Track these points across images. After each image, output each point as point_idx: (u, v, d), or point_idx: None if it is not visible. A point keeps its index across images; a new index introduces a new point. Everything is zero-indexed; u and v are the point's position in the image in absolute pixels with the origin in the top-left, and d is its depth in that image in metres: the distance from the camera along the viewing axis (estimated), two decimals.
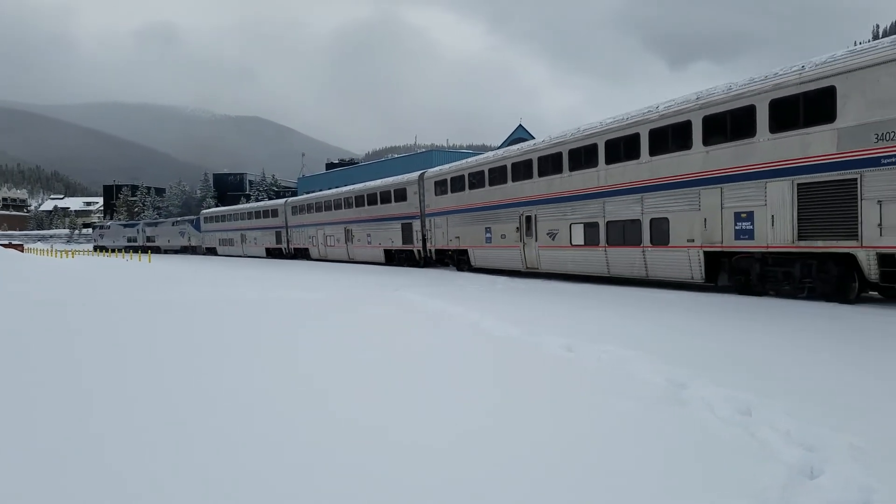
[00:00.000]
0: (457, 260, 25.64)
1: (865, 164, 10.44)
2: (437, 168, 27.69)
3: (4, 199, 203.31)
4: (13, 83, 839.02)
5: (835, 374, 5.95)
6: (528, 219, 20.23)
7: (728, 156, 12.90)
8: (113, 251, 63.18)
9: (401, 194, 29.80)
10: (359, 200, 34.09)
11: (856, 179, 10.60)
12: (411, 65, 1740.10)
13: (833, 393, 5.23)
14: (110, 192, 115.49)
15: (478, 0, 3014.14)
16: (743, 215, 12.69)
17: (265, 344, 7.97)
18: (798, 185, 11.54)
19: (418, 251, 28.73)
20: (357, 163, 78.41)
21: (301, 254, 42.21)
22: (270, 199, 69.12)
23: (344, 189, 37.33)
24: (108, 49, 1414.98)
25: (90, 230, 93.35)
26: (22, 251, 36.87)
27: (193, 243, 59.03)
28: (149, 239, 65.34)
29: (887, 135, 10.13)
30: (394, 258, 31.06)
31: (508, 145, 25.06)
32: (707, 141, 13.43)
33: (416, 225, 28.59)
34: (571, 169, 18.00)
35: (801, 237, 11.59)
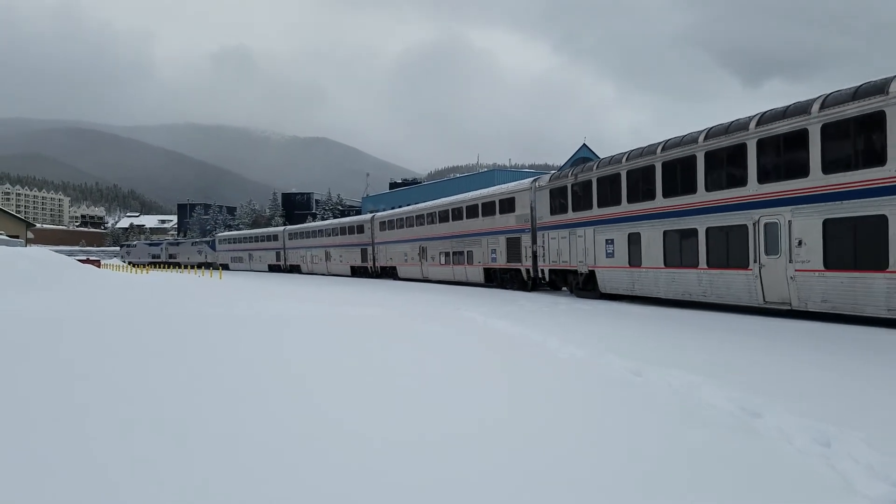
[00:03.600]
0: (391, 273, 40.16)
1: (522, 231, 25.00)
2: (381, 213, 42.49)
3: (83, 217, 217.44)
4: (94, 106, 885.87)
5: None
6: (423, 248, 34.81)
7: (488, 223, 27.51)
8: (142, 266, 77.39)
9: (360, 228, 44.50)
10: (334, 231, 48.82)
11: (520, 237, 25.15)
12: (476, 85, 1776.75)
13: None
14: (184, 211, 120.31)
15: (543, 21, 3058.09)
16: (493, 250, 27.25)
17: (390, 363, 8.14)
18: (506, 238, 26.10)
19: (370, 267, 43.28)
20: (419, 182, 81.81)
21: (294, 269, 56.73)
22: (336, 217, 76.25)
23: (324, 222, 52.27)
24: (186, 72, 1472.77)
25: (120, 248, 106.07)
26: (99, 266, 41.33)
27: (209, 260, 73.54)
28: (171, 256, 79.87)
29: (526, 220, 24.69)
30: (356, 272, 45.61)
31: (572, 165, 28.12)
32: (483, 214, 28.05)
33: (370, 250, 43.19)
34: (441, 221, 32.65)
35: (508, 261, 26.13)
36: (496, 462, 4.21)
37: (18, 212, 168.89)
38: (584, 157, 45.64)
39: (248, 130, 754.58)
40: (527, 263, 24.86)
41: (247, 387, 6.36)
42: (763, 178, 13.40)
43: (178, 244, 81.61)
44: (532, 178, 24.95)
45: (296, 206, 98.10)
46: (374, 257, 42.71)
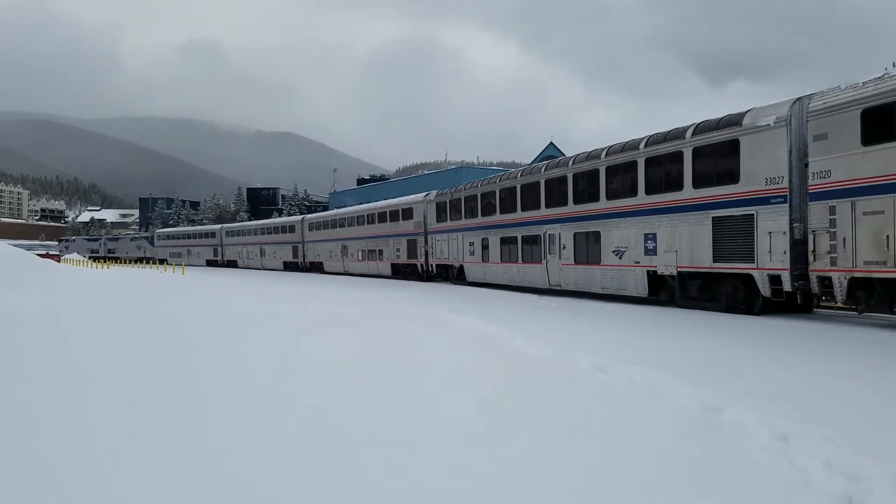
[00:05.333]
0: (318, 268, 46.12)
1: (418, 235, 31.65)
2: (310, 215, 48.38)
3: (43, 211, 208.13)
4: (55, 98, 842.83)
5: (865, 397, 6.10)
6: (345, 247, 41.00)
7: (394, 227, 34.05)
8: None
9: (292, 228, 50.16)
10: (269, 230, 54.19)
11: (417, 239, 31.80)
12: (447, 83, 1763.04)
13: (874, 419, 5.27)
14: (146, 205, 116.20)
15: (515, 20, 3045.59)
16: (398, 249, 33.81)
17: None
18: (407, 239, 32.71)
19: (301, 262, 49.04)
20: (387, 178, 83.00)
21: (231, 263, 61.51)
22: (302, 213, 76.23)
23: (260, 222, 57.59)
24: (153, 65, 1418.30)
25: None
26: (59, 261, 40.26)
27: (148, 255, 76.77)
28: (110, 251, 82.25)
29: (420, 226, 31.34)
30: (287, 266, 51.23)
31: (541, 161, 29.49)
32: (391, 220, 34.54)
33: (300, 247, 48.95)
34: (358, 224, 38.95)
35: (408, 258, 32.75)
36: (491, 460, 4.21)
37: None
38: (550, 154, 45.59)
39: (214, 124, 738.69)
40: (421, 260, 31.56)
41: (252, 390, 6.28)
42: (548, 205, 20.49)
43: (116, 239, 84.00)
44: (424, 194, 31.68)
45: (261, 202, 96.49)
46: (304, 254, 48.51)
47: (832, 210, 11.47)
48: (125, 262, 68.69)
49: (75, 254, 61.21)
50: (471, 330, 11.34)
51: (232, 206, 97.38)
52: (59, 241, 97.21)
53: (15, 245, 36.22)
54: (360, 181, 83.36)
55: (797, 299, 12.68)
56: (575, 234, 19.17)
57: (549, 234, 20.42)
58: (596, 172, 18.12)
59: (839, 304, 12.68)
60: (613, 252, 17.45)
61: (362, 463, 4.16)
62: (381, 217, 35.83)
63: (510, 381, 6.90)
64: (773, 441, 4.54)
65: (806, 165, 12.06)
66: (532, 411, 5.52)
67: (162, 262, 73.78)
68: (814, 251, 11.89)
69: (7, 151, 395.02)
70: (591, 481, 3.85)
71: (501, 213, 23.47)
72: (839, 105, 11.31)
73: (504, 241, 23.37)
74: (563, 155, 36.38)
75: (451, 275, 28.77)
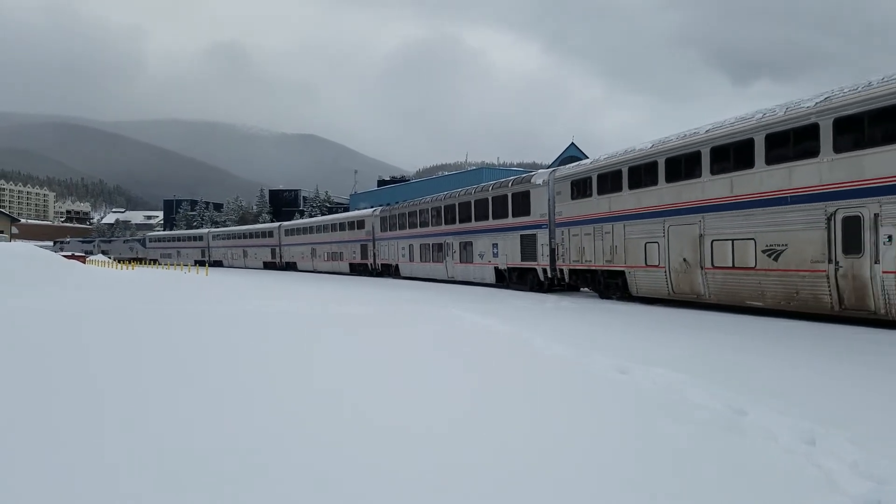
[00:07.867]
0: (293, 267, 55.42)
1: (368, 241, 41.21)
2: (286, 223, 57.80)
3: (69, 212, 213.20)
4: (82, 101, 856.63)
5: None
6: (314, 250, 50.42)
7: (351, 235, 43.56)
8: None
9: (269, 233, 59.44)
10: (250, 234, 63.36)
11: (367, 244, 41.37)
12: (466, 84, 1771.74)
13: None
14: (170, 207, 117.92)
15: (534, 20, 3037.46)
16: (354, 252, 43.33)
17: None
18: (360, 244, 42.27)
19: (278, 262, 58.31)
20: (408, 180, 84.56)
21: (217, 263, 70.37)
22: (324, 214, 78.76)
23: (243, 227, 66.80)
24: (175, 68, 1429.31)
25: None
26: (84, 262, 41.25)
27: (140, 255, 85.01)
28: (103, 252, 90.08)
29: (370, 234, 40.92)
30: (267, 266, 60.44)
31: (560, 164, 30.96)
32: (348, 229, 44.05)
33: (278, 249, 58.23)
34: (325, 231, 48.39)
35: (361, 259, 42.29)
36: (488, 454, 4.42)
37: (3, 207, 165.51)
38: (572, 155, 46.63)
39: (236, 127, 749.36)
40: (370, 260, 41.16)
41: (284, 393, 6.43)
42: (446, 222, 30.22)
43: (110, 241, 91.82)
44: (372, 209, 41.32)
45: (283, 203, 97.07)
46: (280, 255, 57.81)
47: (563, 233, 21.37)
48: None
49: (101, 255, 68.89)
50: (486, 329, 11.86)
51: (254, 207, 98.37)
52: (55, 242, 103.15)
53: (41, 246, 40.43)
54: (381, 182, 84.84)
55: (555, 282, 22.60)
56: (460, 243, 28.96)
57: (448, 242, 30.20)
58: (469, 203, 27.93)
59: (570, 284, 22.52)
60: (479, 255, 27.27)
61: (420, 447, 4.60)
62: (342, 226, 45.37)
63: (535, 382, 7.02)
64: (800, 444, 4.62)
65: (554, 207, 21.96)
66: (556, 412, 5.69)
67: (153, 261, 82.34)
68: (557, 255, 21.78)
69: (33, 154, 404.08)
70: (617, 480, 3.93)
71: (420, 226, 33.19)
72: (563, 177, 21.22)
73: (423, 246, 33.10)
74: (585, 156, 41.93)
75: (391, 271, 38.39)
